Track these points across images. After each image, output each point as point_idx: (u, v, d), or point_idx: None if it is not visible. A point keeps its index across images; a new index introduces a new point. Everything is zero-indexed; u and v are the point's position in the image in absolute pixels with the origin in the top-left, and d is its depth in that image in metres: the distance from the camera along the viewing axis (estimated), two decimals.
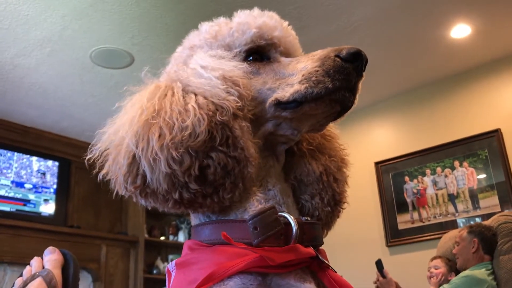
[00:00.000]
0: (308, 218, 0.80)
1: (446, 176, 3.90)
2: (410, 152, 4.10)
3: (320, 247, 0.79)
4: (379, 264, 2.89)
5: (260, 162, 0.78)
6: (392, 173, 4.17)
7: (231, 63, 0.78)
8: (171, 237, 5.24)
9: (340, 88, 0.74)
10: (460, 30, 3.38)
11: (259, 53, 0.83)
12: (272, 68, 0.81)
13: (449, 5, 3.12)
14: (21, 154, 4.41)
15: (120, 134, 0.76)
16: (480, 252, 2.73)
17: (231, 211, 0.76)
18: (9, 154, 4.34)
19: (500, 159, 3.64)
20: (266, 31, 0.82)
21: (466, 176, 3.80)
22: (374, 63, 4.10)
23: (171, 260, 5.17)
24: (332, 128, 0.93)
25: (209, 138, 0.71)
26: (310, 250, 0.73)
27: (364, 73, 0.77)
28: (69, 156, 4.70)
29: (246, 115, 0.76)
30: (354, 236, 4.07)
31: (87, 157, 0.80)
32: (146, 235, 4.97)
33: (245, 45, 0.82)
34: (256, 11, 0.86)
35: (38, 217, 4.34)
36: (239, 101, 0.74)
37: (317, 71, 0.75)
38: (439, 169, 3.95)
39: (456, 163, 3.87)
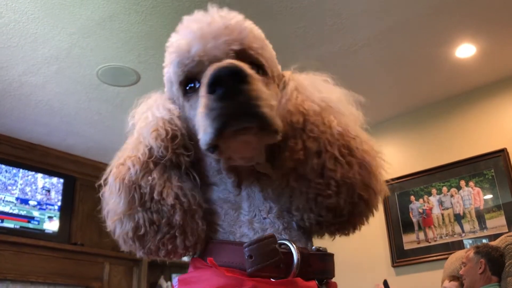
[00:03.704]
0: (320, 248, 0.76)
1: (452, 196, 3.87)
2: (416, 171, 4.08)
3: (331, 280, 0.76)
4: (385, 285, 2.85)
5: (238, 196, 0.77)
6: (397, 193, 4.14)
7: (167, 106, 0.78)
8: None
9: (224, 123, 0.64)
10: (465, 50, 3.39)
11: (194, 79, 0.75)
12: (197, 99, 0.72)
13: (454, 25, 3.14)
14: (26, 171, 4.42)
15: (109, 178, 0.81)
16: (487, 273, 2.69)
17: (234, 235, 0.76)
18: (14, 170, 4.35)
19: (507, 179, 3.61)
20: (183, 53, 0.75)
21: (472, 196, 3.77)
22: (379, 82, 4.12)
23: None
24: None
25: (129, 201, 0.75)
26: (312, 283, 0.70)
27: (249, 77, 0.65)
28: (74, 173, 4.70)
29: (172, 159, 0.76)
30: (359, 256, 4.02)
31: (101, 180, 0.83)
32: None
33: (178, 77, 0.76)
34: (185, 21, 0.80)
35: (41, 234, 4.32)
36: (152, 151, 0.76)
37: (202, 112, 0.67)
38: (445, 189, 3.92)
39: (462, 182, 3.84)
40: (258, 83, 0.66)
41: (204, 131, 0.66)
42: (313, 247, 0.75)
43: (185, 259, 0.84)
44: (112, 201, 0.77)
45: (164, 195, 0.73)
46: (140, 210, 0.74)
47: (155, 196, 0.73)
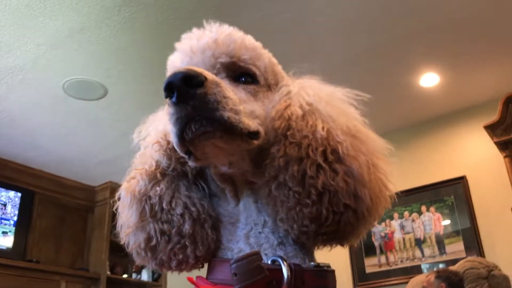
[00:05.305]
0: (320, 264, 0.74)
1: (413, 220, 3.95)
2: None
3: None
4: None
5: (236, 207, 0.77)
6: None
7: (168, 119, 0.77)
8: (134, 275, 5.07)
9: (182, 129, 0.65)
10: (429, 79, 3.51)
11: None
12: None
13: (419, 54, 3.25)
14: None
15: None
16: None
17: (229, 251, 0.76)
18: None
19: (466, 205, 3.72)
20: (173, 69, 0.74)
21: (433, 221, 3.86)
22: None
23: None
24: None
25: (141, 213, 0.76)
26: None
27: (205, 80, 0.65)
28: (33, 187, 4.55)
29: (177, 168, 0.78)
30: None
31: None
32: (108, 272, 4.80)
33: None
34: (182, 38, 0.81)
35: None
36: (158, 163, 0.79)
37: (168, 118, 0.68)
38: (406, 213, 4.00)
39: (423, 208, 3.92)
40: (219, 88, 0.66)
41: (172, 136, 0.68)
42: (311, 263, 0.73)
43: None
44: (125, 214, 0.79)
45: (173, 205, 0.75)
46: (151, 221, 0.75)
47: (165, 206, 0.75)
